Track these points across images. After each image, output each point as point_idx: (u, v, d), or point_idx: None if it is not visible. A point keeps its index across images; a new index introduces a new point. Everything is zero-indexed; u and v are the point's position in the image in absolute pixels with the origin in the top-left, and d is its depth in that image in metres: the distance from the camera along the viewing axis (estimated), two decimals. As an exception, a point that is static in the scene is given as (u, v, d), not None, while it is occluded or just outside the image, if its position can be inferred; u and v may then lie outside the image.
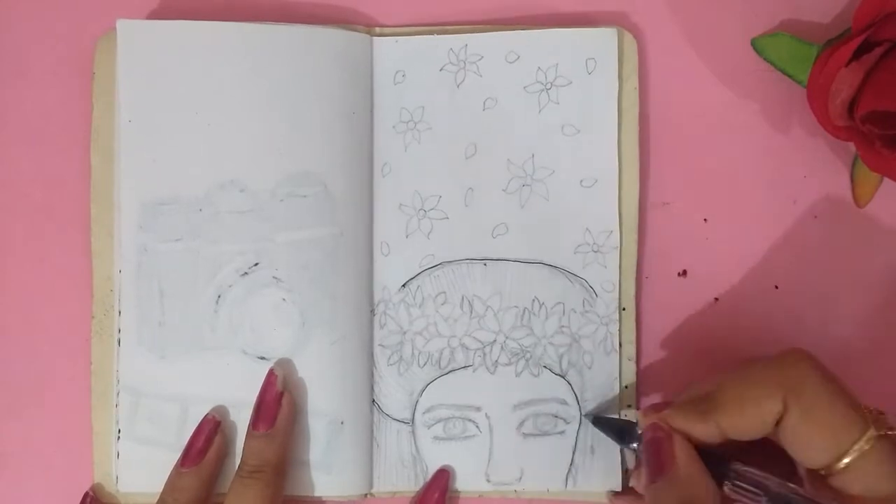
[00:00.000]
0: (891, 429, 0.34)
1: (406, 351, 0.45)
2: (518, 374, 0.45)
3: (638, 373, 0.45)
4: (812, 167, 0.46)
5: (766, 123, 0.46)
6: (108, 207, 0.45)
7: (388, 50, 0.45)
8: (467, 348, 0.45)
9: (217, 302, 0.43)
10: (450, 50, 0.45)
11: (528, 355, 0.45)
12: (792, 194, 0.46)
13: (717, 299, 0.46)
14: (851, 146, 0.44)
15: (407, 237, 0.45)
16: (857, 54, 0.40)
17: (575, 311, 0.45)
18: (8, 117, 0.46)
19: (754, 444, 0.36)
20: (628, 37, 0.45)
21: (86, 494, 0.44)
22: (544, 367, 0.45)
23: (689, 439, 0.37)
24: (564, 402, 0.44)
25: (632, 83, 0.45)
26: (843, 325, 0.46)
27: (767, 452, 0.37)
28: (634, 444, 0.40)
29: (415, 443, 0.45)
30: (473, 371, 0.45)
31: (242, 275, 0.43)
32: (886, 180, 0.44)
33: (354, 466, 0.44)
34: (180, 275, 0.43)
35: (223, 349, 0.43)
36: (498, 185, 0.45)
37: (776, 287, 0.46)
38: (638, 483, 0.40)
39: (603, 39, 0.45)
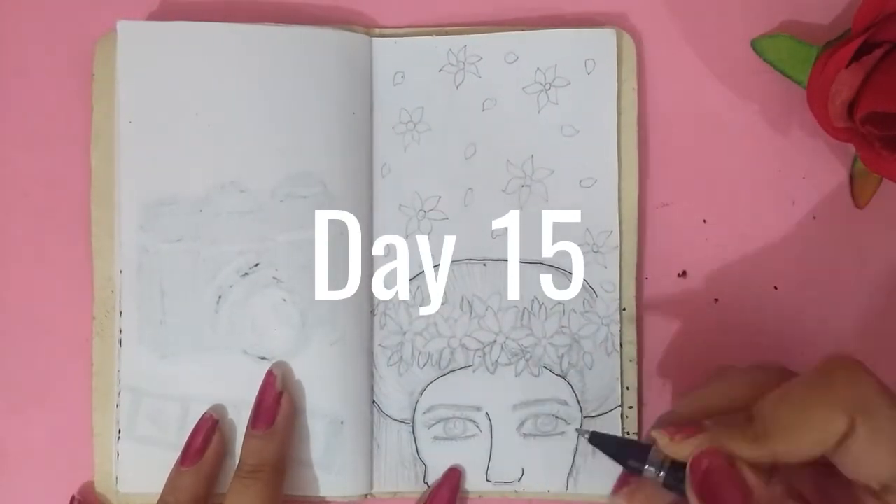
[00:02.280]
0: None
1: (406, 351, 0.45)
2: (518, 375, 0.45)
3: (639, 374, 0.45)
4: (812, 168, 0.46)
5: (766, 124, 0.46)
6: (109, 208, 0.45)
7: (388, 51, 0.45)
8: (467, 348, 0.45)
9: (218, 302, 0.44)
10: (449, 51, 0.45)
11: (528, 355, 0.45)
12: (791, 195, 0.46)
13: (716, 300, 0.46)
14: (851, 147, 0.44)
15: (407, 237, 0.45)
16: (857, 55, 0.40)
17: (575, 312, 0.45)
18: (8, 117, 0.46)
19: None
20: (627, 38, 0.45)
21: (72, 498, 0.44)
22: (544, 367, 0.45)
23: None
24: (565, 403, 0.44)
25: (630, 84, 0.45)
26: (843, 326, 0.46)
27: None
28: (652, 469, 0.35)
29: (415, 443, 0.45)
30: (473, 371, 0.45)
31: (243, 275, 0.44)
32: (886, 181, 0.44)
33: (354, 467, 0.44)
34: (181, 275, 0.44)
35: (224, 349, 0.44)
36: (497, 185, 0.45)
37: (776, 288, 0.46)
38: (632, 501, 0.36)
39: (601, 40, 0.45)
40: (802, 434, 0.32)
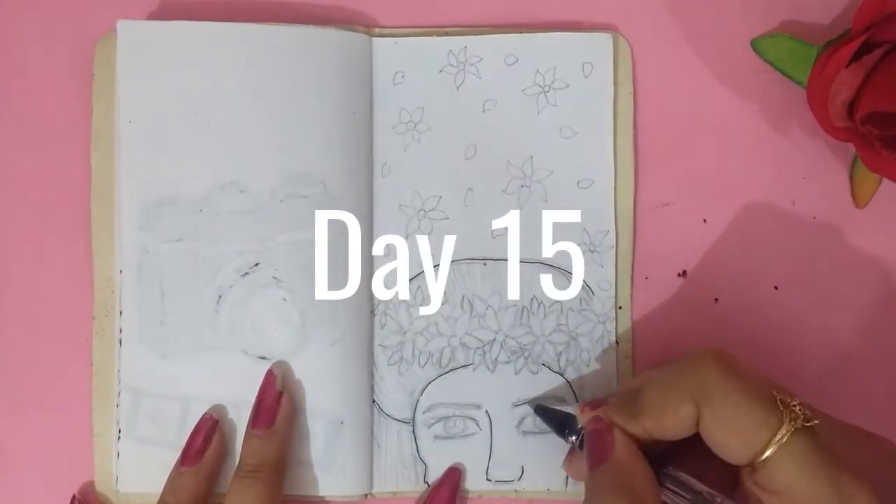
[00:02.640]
0: (808, 420, 0.34)
1: (407, 351, 0.45)
2: (517, 372, 0.45)
3: (634, 370, 0.45)
4: (811, 168, 0.46)
5: (766, 124, 0.46)
6: (109, 208, 0.45)
7: (388, 51, 0.45)
8: (467, 347, 0.45)
9: (218, 302, 0.44)
10: (449, 51, 0.45)
11: (526, 353, 0.45)
12: (791, 195, 0.46)
13: (716, 300, 0.46)
14: (851, 147, 0.44)
15: (407, 237, 0.45)
16: (857, 55, 0.40)
17: (572, 310, 0.45)
18: (8, 117, 0.46)
19: (698, 442, 0.37)
20: (623, 42, 0.45)
21: (73, 498, 0.44)
22: (543, 364, 0.45)
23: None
24: (563, 400, 0.44)
25: (626, 87, 0.45)
26: (842, 326, 0.46)
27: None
28: (573, 438, 0.41)
29: (415, 442, 0.45)
30: (473, 370, 0.45)
31: (243, 275, 0.44)
32: (886, 181, 0.44)
33: (354, 466, 0.44)
34: (181, 275, 0.44)
35: (224, 349, 0.44)
36: (497, 185, 0.45)
37: (776, 288, 0.46)
38: (570, 469, 0.43)
39: (598, 44, 0.45)
40: (661, 416, 0.37)
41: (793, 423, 0.34)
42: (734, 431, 0.35)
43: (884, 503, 0.33)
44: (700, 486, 0.37)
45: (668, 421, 0.36)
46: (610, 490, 0.36)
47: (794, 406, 0.35)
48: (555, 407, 0.43)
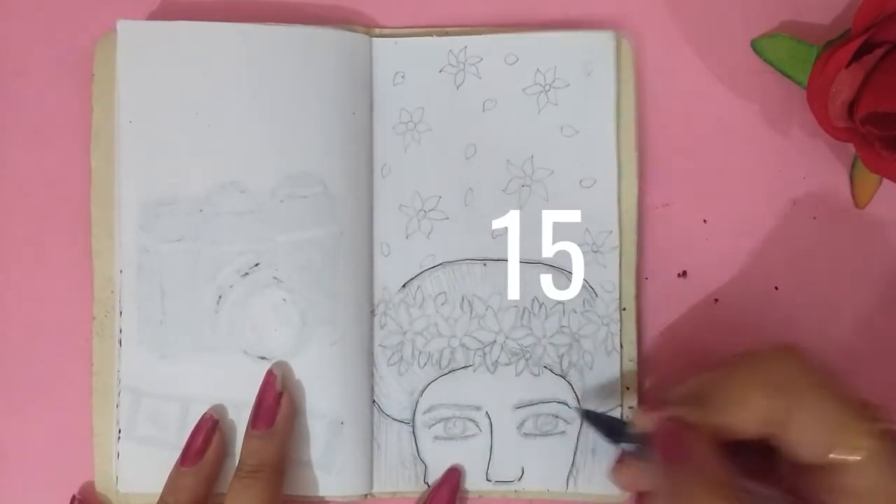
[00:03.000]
0: (889, 423, 0.34)
1: (406, 351, 0.45)
2: (518, 374, 0.45)
3: (639, 373, 0.45)
4: (811, 168, 0.46)
5: (766, 124, 0.46)
6: (109, 208, 0.45)
7: (388, 51, 0.45)
8: (467, 348, 0.45)
9: (218, 302, 0.44)
10: (449, 51, 0.45)
11: (528, 355, 0.45)
12: (791, 195, 0.46)
13: (717, 300, 0.46)
14: (851, 147, 0.44)
15: (407, 237, 0.45)
16: (857, 56, 0.40)
17: (575, 312, 0.45)
18: (8, 117, 0.46)
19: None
20: (624, 41, 0.45)
21: (73, 498, 0.44)
22: (545, 367, 0.45)
23: None
24: (565, 403, 0.44)
25: (629, 86, 0.45)
26: (843, 326, 0.46)
27: (755, 448, 0.37)
28: (625, 444, 0.41)
29: (415, 443, 0.45)
30: (474, 371, 0.45)
31: (243, 275, 0.44)
32: (886, 181, 0.44)
33: (354, 467, 0.44)
34: (181, 275, 0.44)
35: (224, 349, 0.44)
36: (498, 185, 0.45)
37: (776, 288, 0.46)
38: (620, 477, 0.41)
39: (600, 43, 0.45)
40: (741, 411, 0.36)
41: (878, 425, 0.34)
42: (821, 430, 0.34)
43: None
44: (767, 490, 0.36)
45: (747, 416, 0.36)
46: (700, 487, 0.35)
47: (879, 409, 0.35)
48: (604, 413, 0.43)
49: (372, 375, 0.45)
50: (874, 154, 0.41)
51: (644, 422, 0.39)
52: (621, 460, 0.41)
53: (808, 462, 0.35)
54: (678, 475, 0.36)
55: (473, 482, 0.45)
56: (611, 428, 0.42)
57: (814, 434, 0.35)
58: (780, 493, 0.36)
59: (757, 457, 0.37)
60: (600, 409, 0.44)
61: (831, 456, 0.34)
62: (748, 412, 0.36)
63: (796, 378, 0.35)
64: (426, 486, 0.45)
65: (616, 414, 0.44)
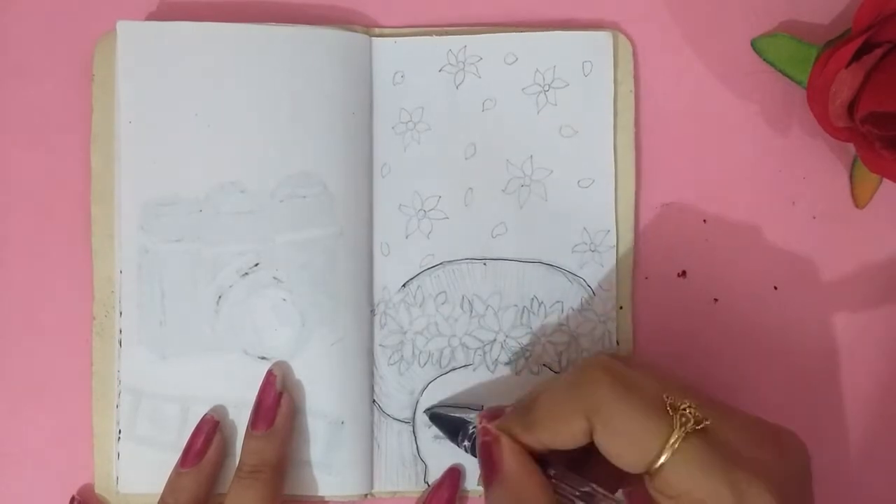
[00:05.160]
0: (698, 422, 0.34)
1: (407, 351, 0.45)
2: (518, 373, 0.45)
3: (636, 371, 0.45)
4: (811, 168, 0.46)
5: (766, 124, 0.46)
6: (109, 208, 0.45)
7: (387, 51, 0.45)
8: (467, 347, 0.45)
9: (218, 302, 0.44)
10: (449, 51, 0.45)
11: (527, 354, 0.45)
12: (791, 195, 0.46)
13: (716, 300, 0.46)
14: (851, 147, 0.44)
15: (407, 237, 0.45)
16: (858, 55, 0.40)
17: (573, 310, 0.45)
18: (8, 117, 0.46)
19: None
20: (623, 40, 0.45)
21: (72, 499, 0.44)
22: (544, 365, 0.45)
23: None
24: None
25: (627, 86, 0.45)
26: (842, 326, 0.46)
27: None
28: (466, 443, 0.41)
29: (415, 442, 0.45)
30: (474, 370, 0.45)
31: (243, 275, 0.44)
32: (886, 181, 0.44)
33: (355, 466, 0.44)
34: (181, 275, 0.44)
35: (224, 349, 0.44)
36: (497, 185, 0.45)
37: (775, 288, 0.46)
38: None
39: (598, 43, 0.45)
40: (555, 427, 0.37)
41: (683, 427, 0.34)
42: (627, 442, 0.35)
43: (786, 495, 0.34)
44: (588, 485, 0.37)
45: (562, 434, 0.37)
46: None
47: (685, 409, 0.35)
48: (450, 414, 0.43)
49: (372, 375, 0.45)
50: (874, 154, 0.41)
51: (480, 428, 0.39)
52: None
53: (633, 472, 0.35)
54: (491, 495, 0.37)
55: (473, 482, 0.45)
56: (453, 429, 0.42)
57: (618, 447, 0.35)
58: (614, 498, 0.37)
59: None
60: (442, 408, 0.44)
61: (641, 465, 0.35)
62: (561, 429, 0.36)
63: (596, 394, 0.36)
64: (426, 486, 0.45)
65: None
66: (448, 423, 0.43)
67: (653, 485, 0.35)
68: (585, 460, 0.39)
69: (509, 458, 0.37)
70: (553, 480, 0.38)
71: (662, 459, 0.34)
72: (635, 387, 0.36)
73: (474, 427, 0.40)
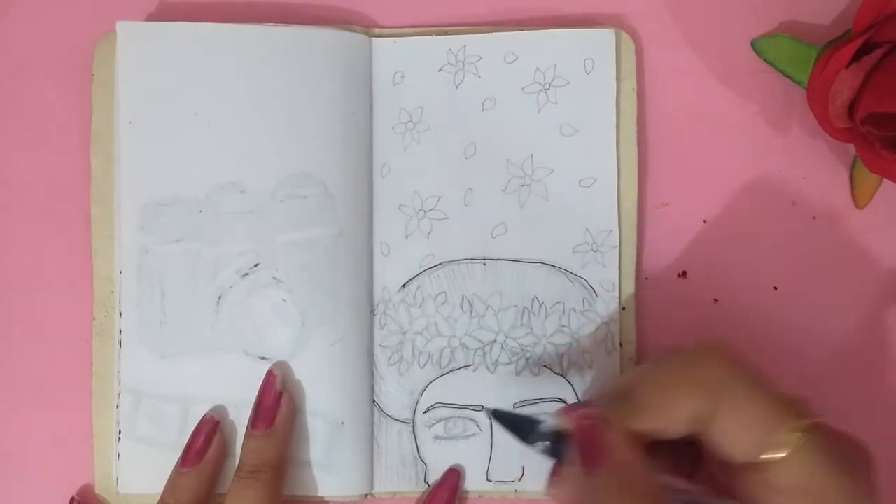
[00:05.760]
0: (815, 417, 0.34)
1: (406, 351, 0.45)
2: (518, 373, 0.45)
3: (638, 373, 0.45)
4: (811, 168, 0.46)
5: (766, 124, 0.46)
6: (109, 208, 0.45)
7: (387, 51, 0.45)
8: (467, 348, 0.45)
9: (218, 302, 0.44)
10: (448, 51, 0.45)
11: (528, 354, 0.45)
12: (791, 195, 0.46)
13: (716, 300, 0.46)
14: (851, 147, 0.44)
15: (407, 237, 0.45)
16: (858, 56, 0.40)
17: (575, 311, 0.45)
18: (8, 118, 0.46)
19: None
20: (626, 38, 0.45)
21: (72, 499, 0.44)
22: (544, 366, 0.45)
23: None
24: (565, 402, 0.44)
25: (629, 84, 0.45)
26: (842, 327, 0.46)
27: (685, 443, 0.37)
28: (539, 444, 0.39)
29: (415, 443, 0.45)
30: (474, 370, 0.45)
31: (243, 275, 0.44)
32: (886, 182, 0.44)
33: (355, 467, 0.44)
34: (181, 275, 0.44)
35: (224, 349, 0.44)
36: (497, 185, 0.45)
37: (775, 288, 0.46)
38: (558, 490, 0.38)
39: (600, 40, 0.45)
40: (668, 412, 0.35)
41: (805, 419, 0.34)
42: (749, 428, 0.34)
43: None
44: (691, 488, 0.37)
45: (674, 417, 0.35)
46: (616, 494, 0.34)
47: (804, 403, 0.35)
48: (518, 413, 0.42)
49: (372, 375, 0.45)
50: (874, 154, 0.41)
51: (562, 421, 0.37)
52: (556, 472, 0.39)
53: (737, 461, 0.35)
54: (598, 479, 0.35)
55: (473, 482, 0.45)
56: (521, 427, 0.39)
57: (740, 434, 0.35)
58: (709, 490, 0.36)
59: (687, 452, 0.37)
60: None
61: (759, 454, 0.34)
62: (673, 413, 0.35)
63: (722, 377, 0.35)
64: (426, 486, 0.45)
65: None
66: (516, 421, 0.40)
67: (762, 476, 0.34)
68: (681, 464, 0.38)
69: (618, 441, 0.35)
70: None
71: (786, 451, 0.33)
72: (757, 372, 0.35)
73: (547, 425, 0.38)
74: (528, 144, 0.45)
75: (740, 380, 0.35)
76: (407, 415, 0.45)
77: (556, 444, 0.38)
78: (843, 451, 0.35)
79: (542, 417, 0.39)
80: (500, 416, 0.41)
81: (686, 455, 0.38)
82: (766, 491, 0.34)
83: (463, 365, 0.45)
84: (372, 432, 0.45)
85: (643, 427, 0.36)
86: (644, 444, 0.36)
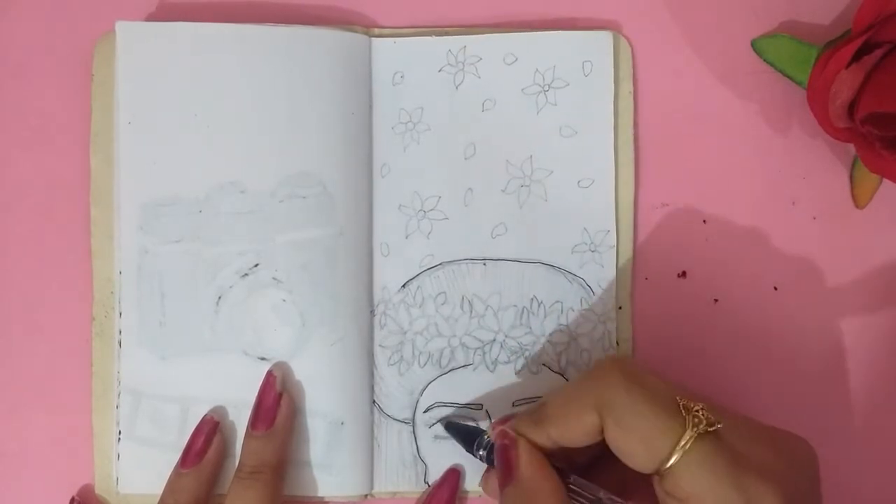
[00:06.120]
0: (711, 424, 0.35)
1: (406, 351, 0.45)
2: (518, 372, 0.45)
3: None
4: (811, 168, 0.46)
5: (766, 125, 0.46)
6: (109, 209, 0.45)
7: (387, 51, 0.45)
8: (467, 347, 0.45)
9: (217, 303, 0.44)
10: (448, 51, 0.45)
11: (527, 353, 0.45)
12: (791, 195, 0.46)
13: (716, 300, 0.46)
14: (851, 147, 0.44)
15: (406, 238, 0.45)
16: (858, 56, 0.40)
17: (573, 310, 0.45)
18: (8, 118, 0.46)
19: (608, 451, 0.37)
20: (623, 40, 0.45)
21: (72, 499, 0.44)
22: (543, 364, 0.45)
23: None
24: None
25: (627, 86, 0.45)
26: (842, 326, 0.46)
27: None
28: (482, 452, 0.41)
29: (415, 443, 0.45)
30: (474, 370, 0.45)
31: (243, 276, 0.44)
32: (886, 181, 0.44)
33: (355, 467, 0.44)
34: (181, 276, 0.44)
35: (224, 350, 0.44)
36: (497, 185, 0.45)
37: (775, 288, 0.46)
38: (486, 487, 0.42)
39: (598, 43, 0.45)
40: (566, 424, 0.37)
41: (695, 428, 0.34)
42: (637, 440, 0.35)
43: (795, 501, 0.34)
44: (605, 493, 0.37)
45: (573, 429, 0.37)
46: None
47: (697, 411, 0.35)
48: (465, 424, 0.44)
49: (372, 375, 0.45)
50: (874, 154, 0.41)
51: (493, 434, 0.40)
52: (488, 470, 0.42)
53: (642, 471, 0.36)
54: (506, 497, 0.38)
55: (474, 482, 0.45)
56: (468, 437, 0.42)
57: (630, 444, 0.35)
58: (622, 500, 0.37)
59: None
60: (458, 419, 0.44)
61: (651, 465, 0.35)
62: (570, 425, 0.37)
63: (611, 392, 0.36)
64: (426, 486, 0.45)
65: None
66: (463, 432, 0.43)
67: (662, 486, 0.35)
68: (601, 467, 0.40)
69: (525, 459, 0.38)
70: (571, 486, 0.38)
71: (673, 460, 0.34)
72: (648, 385, 0.36)
73: (489, 436, 0.41)
74: (527, 145, 0.45)
75: (628, 393, 0.36)
76: (407, 415, 0.45)
77: (492, 455, 0.40)
78: (761, 451, 0.35)
79: (485, 427, 0.42)
80: (450, 428, 0.44)
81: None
82: (667, 500, 0.35)
83: (463, 364, 0.45)
84: (372, 432, 0.45)
85: (549, 436, 0.38)
86: (561, 454, 0.39)
